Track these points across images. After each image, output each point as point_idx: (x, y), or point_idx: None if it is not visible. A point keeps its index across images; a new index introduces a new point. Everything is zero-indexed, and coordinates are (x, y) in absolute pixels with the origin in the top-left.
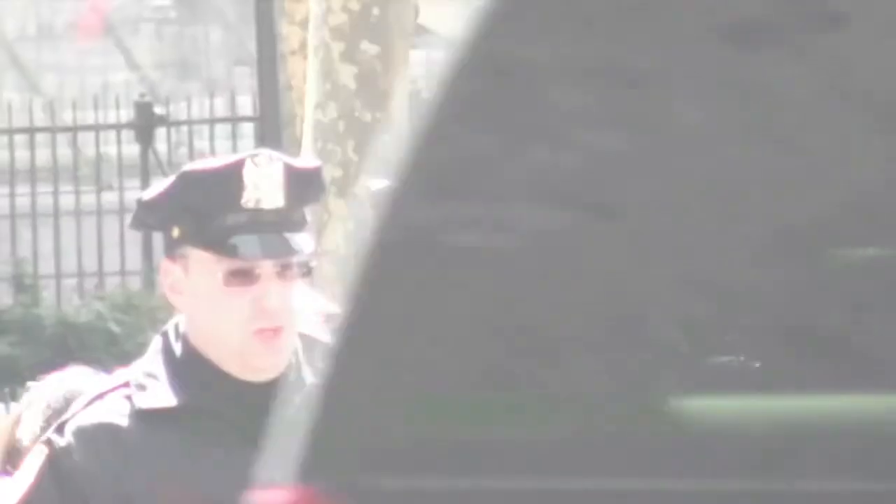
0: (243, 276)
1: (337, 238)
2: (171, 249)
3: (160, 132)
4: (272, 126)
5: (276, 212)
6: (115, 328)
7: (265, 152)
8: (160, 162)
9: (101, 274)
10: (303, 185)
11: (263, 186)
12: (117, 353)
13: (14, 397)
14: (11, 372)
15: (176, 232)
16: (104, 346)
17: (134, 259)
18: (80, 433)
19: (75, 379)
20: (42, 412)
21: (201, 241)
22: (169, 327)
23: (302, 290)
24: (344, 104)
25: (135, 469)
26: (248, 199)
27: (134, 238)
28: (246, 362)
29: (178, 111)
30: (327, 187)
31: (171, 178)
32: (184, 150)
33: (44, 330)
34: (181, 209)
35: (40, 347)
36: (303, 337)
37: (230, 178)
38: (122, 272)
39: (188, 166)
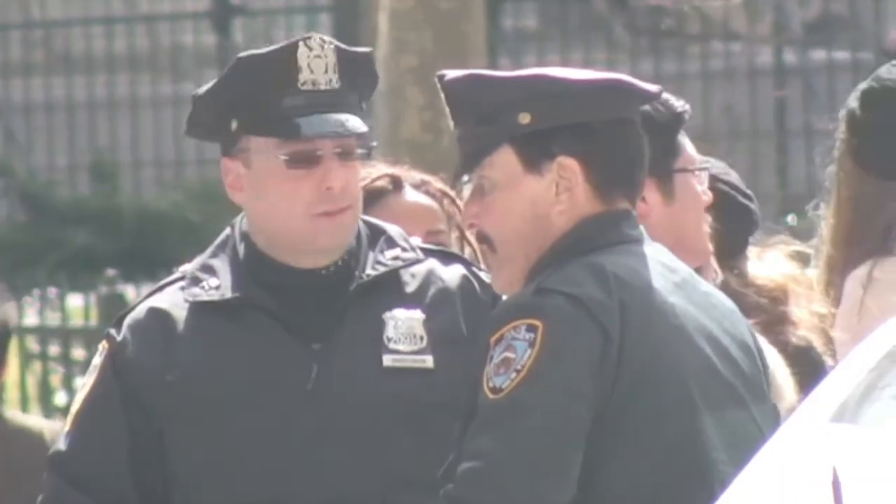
0: (306, 159)
1: (414, 127)
2: (230, 146)
3: (237, 22)
4: (349, 15)
5: (332, 93)
6: (193, 217)
7: (317, 36)
8: (237, 52)
9: (179, 163)
10: (356, 69)
11: (317, 68)
12: (195, 243)
13: (93, 286)
14: (90, 261)
15: (234, 124)
16: (182, 236)
17: (212, 148)
18: (134, 325)
19: None
20: None
21: (262, 127)
22: (236, 221)
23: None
24: None
25: (179, 358)
26: (305, 80)
27: None
28: (311, 243)
29: (255, 1)
30: (403, 76)
31: (225, 70)
32: (260, 41)
33: (122, 219)
34: (239, 98)
35: (119, 237)
36: (369, 226)
37: (285, 60)
38: (200, 161)
39: (242, 54)
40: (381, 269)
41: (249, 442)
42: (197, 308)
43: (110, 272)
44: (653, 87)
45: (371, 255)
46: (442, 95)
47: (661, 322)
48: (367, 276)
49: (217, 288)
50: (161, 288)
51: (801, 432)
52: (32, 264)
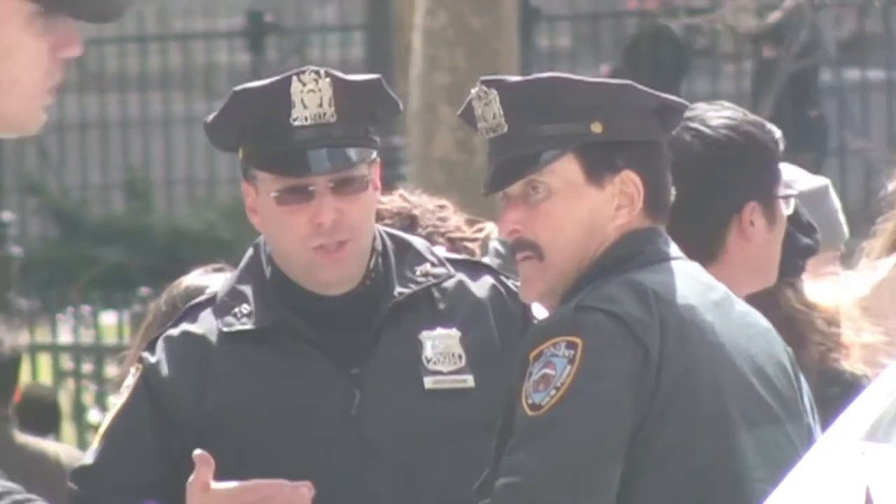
0: (296, 194)
1: (447, 145)
2: (244, 170)
3: (270, 40)
4: (382, 33)
5: (327, 127)
6: (224, 235)
7: (312, 68)
8: (270, 70)
9: (211, 181)
10: (358, 99)
11: (311, 103)
12: (227, 261)
13: (126, 304)
14: (123, 279)
15: (241, 153)
16: (214, 254)
17: None
18: (169, 348)
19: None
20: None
21: (257, 161)
22: (259, 242)
23: (369, 201)
24: (453, 11)
25: (216, 386)
26: (297, 116)
27: None
28: (313, 278)
29: (289, 19)
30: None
31: (226, 100)
32: (294, 59)
33: (155, 237)
34: (241, 130)
35: (151, 255)
36: (394, 240)
37: (277, 96)
38: (233, 179)
39: (239, 87)
40: (413, 286)
41: (293, 470)
42: (231, 337)
43: (143, 290)
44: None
45: (399, 272)
46: (499, 97)
47: (699, 340)
48: (400, 294)
49: (249, 315)
50: (194, 311)
51: (833, 451)
52: (66, 282)
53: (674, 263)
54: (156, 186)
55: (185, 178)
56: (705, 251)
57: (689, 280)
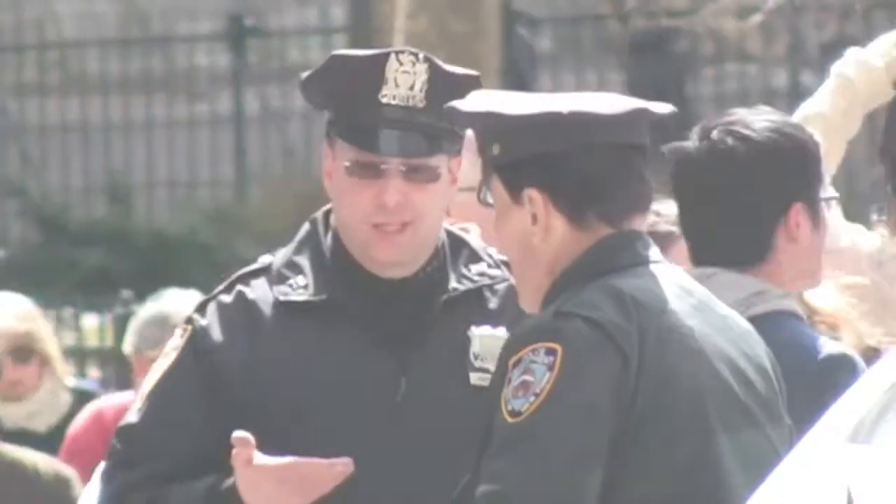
0: (367, 169)
1: None
2: (327, 132)
3: (251, 43)
4: (364, 36)
5: (415, 111)
6: (206, 239)
7: (413, 51)
8: (251, 73)
9: (192, 185)
10: (452, 90)
11: (403, 83)
12: (208, 264)
13: (108, 307)
14: (105, 282)
15: (327, 115)
16: (195, 257)
17: (225, 170)
18: (220, 312)
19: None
20: None
21: (337, 128)
22: (318, 215)
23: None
24: (435, 14)
25: (265, 355)
26: (386, 94)
27: (225, 149)
28: (368, 254)
29: (270, 22)
30: None
31: (325, 60)
32: (275, 62)
33: (136, 240)
34: (329, 93)
35: (133, 257)
36: (450, 236)
37: (372, 70)
38: (214, 183)
39: (338, 51)
40: (469, 284)
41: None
42: (285, 306)
43: (125, 293)
44: (610, 111)
45: (454, 268)
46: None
47: (678, 345)
48: (455, 289)
49: (305, 287)
50: (246, 278)
51: (815, 452)
52: (48, 285)
53: (653, 267)
54: (137, 189)
55: (166, 182)
56: (754, 253)
57: (668, 284)
